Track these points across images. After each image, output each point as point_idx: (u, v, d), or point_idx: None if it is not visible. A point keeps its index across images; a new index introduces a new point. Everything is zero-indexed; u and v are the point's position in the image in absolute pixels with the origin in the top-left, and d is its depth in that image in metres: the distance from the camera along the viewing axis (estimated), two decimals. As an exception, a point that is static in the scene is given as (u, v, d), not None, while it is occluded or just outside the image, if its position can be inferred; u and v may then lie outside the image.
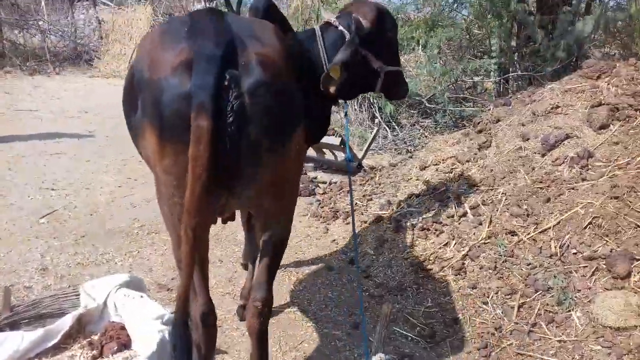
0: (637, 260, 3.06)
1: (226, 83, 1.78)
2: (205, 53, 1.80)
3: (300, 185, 5.70)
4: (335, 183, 5.75)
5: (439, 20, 7.87)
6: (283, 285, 3.66)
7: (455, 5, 7.55)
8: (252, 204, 2.21)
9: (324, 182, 5.86)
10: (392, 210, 4.49)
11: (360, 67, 2.98)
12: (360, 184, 5.33)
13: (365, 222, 4.47)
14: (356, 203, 4.86)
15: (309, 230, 4.62)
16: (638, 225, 3.26)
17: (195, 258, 1.84)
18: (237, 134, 1.82)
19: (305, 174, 6.03)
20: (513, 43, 7.34)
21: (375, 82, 3.11)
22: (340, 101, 3.41)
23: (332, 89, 2.86)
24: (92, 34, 15.65)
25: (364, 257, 3.97)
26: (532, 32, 6.67)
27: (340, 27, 2.96)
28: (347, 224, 4.59)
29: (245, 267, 3.55)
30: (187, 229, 1.77)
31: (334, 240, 4.39)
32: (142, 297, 2.83)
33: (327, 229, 4.61)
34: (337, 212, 4.87)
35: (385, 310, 2.64)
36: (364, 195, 4.98)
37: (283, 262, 2.77)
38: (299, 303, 3.47)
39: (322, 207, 5.08)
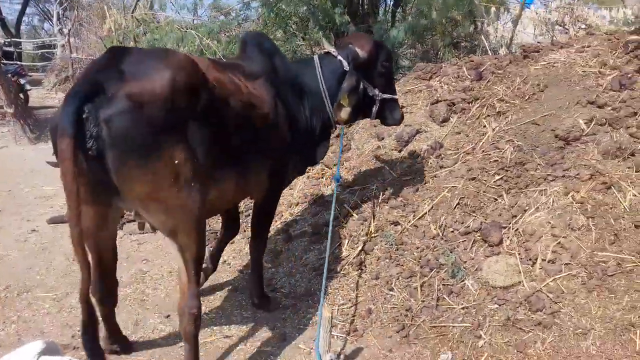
0: (504, 227, 3.64)
1: (85, 114, 2.15)
2: (74, 90, 2.23)
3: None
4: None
5: (262, 31, 8.14)
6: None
7: (277, 19, 7.87)
8: (146, 217, 2.56)
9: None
10: (277, 221, 4.62)
11: (360, 94, 3.40)
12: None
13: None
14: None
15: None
16: (495, 199, 3.87)
17: (86, 261, 2.24)
18: (99, 155, 2.18)
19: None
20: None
21: (371, 108, 3.55)
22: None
23: (343, 116, 3.41)
24: None
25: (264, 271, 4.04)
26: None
27: (339, 57, 3.36)
28: (232, 243, 4.60)
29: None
30: (72, 238, 2.18)
31: (225, 261, 4.37)
32: None
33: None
34: (216, 233, 4.84)
35: (326, 315, 2.79)
36: (240, 211, 5.02)
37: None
38: (220, 329, 3.44)
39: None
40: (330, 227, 3.28)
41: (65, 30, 10.02)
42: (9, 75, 11.34)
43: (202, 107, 2.48)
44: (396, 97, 3.74)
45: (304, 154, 3.50)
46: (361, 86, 3.45)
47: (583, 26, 6.57)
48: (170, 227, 2.49)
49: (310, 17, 7.52)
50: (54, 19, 16.07)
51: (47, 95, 14.31)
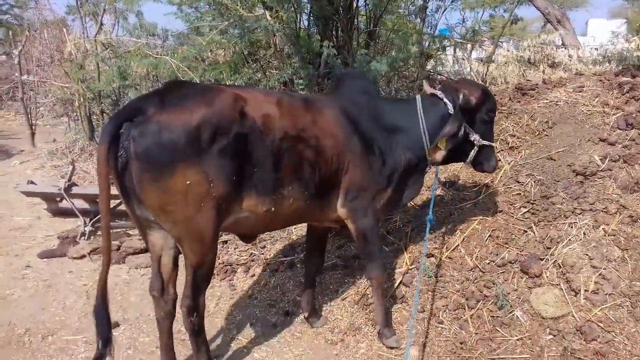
0: (542, 259, 3.80)
1: (122, 131, 2.58)
2: (119, 110, 2.88)
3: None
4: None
5: (239, 62, 8.07)
6: (246, 357, 3.44)
7: (257, 47, 7.83)
8: (161, 224, 2.80)
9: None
10: (300, 254, 4.55)
11: (459, 138, 3.42)
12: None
13: (277, 270, 4.43)
14: (251, 253, 4.76)
15: (215, 291, 4.35)
16: (525, 231, 4.03)
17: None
18: (126, 165, 2.60)
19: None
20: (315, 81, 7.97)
21: (468, 153, 3.55)
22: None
23: (438, 158, 3.47)
24: None
25: (298, 308, 3.96)
26: (338, 72, 7.38)
27: (445, 100, 3.41)
28: (252, 275, 4.47)
29: None
30: (103, 228, 2.68)
31: (251, 295, 4.23)
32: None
33: (233, 286, 4.41)
34: (232, 265, 4.69)
35: (413, 354, 2.78)
36: (253, 244, 4.89)
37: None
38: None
39: (208, 265, 4.81)
40: (419, 279, 3.34)
41: (16, 52, 9.38)
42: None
43: (231, 140, 2.73)
44: (494, 144, 3.74)
45: (396, 190, 3.50)
46: (462, 131, 3.46)
47: (551, 63, 7.03)
48: (176, 236, 2.82)
49: (291, 48, 7.55)
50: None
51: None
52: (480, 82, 7.31)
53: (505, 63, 7.40)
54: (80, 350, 3.40)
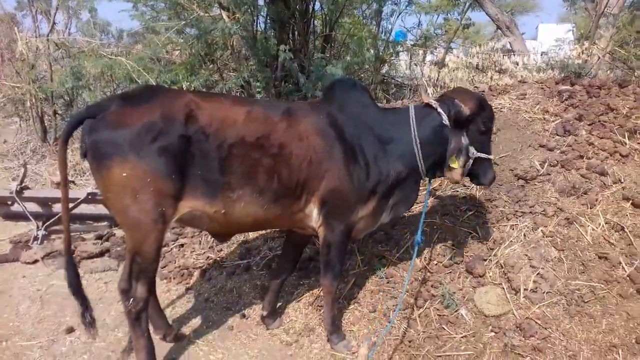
0: (485, 260, 4.01)
1: (83, 125, 2.95)
2: (86, 107, 3.21)
3: (119, 248, 5.31)
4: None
5: (196, 64, 8.08)
6: (202, 358, 3.52)
7: (214, 48, 7.86)
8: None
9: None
10: (257, 256, 4.64)
11: (467, 153, 3.44)
12: (192, 236, 5.24)
13: (233, 273, 4.51)
14: (207, 256, 4.83)
15: (171, 294, 4.41)
16: (471, 233, 4.25)
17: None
18: (85, 155, 2.97)
19: (113, 234, 5.59)
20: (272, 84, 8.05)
21: (465, 164, 3.48)
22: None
23: (455, 177, 3.48)
24: None
25: (254, 310, 4.06)
26: (294, 75, 7.49)
27: (439, 110, 3.40)
28: (209, 279, 4.54)
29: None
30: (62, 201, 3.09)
31: (207, 298, 4.30)
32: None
33: (189, 289, 4.47)
34: (188, 268, 4.74)
35: (363, 352, 2.93)
36: (210, 247, 4.96)
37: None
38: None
39: (164, 267, 4.85)
40: (405, 286, 3.66)
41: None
42: None
43: (174, 141, 2.94)
44: (491, 157, 3.63)
45: (381, 203, 3.53)
46: (467, 142, 3.44)
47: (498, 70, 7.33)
48: (122, 224, 3.17)
49: (248, 51, 7.61)
50: None
51: None
52: (431, 86, 7.56)
53: (456, 69, 7.66)
54: (35, 355, 3.41)
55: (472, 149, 3.46)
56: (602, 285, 3.71)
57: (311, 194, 3.36)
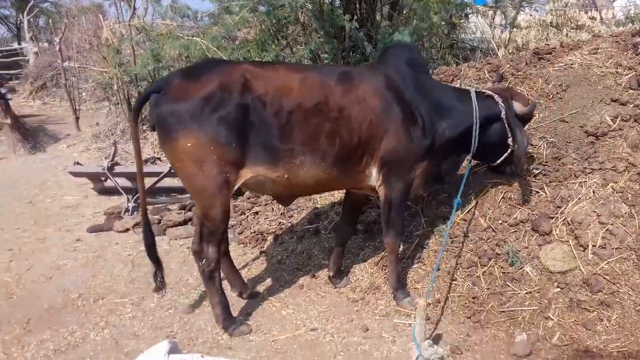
0: (552, 217, 3.98)
1: (150, 99, 3.23)
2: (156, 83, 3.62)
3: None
4: (233, 209, 5.84)
5: (267, 39, 8.30)
6: (275, 314, 3.78)
7: (284, 23, 8.05)
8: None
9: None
10: (324, 221, 4.85)
11: (502, 140, 3.76)
12: (266, 204, 5.53)
13: (303, 237, 4.75)
14: (279, 222, 5.09)
15: (247, 257, 4.71)
16: (537, 192, 4.21)
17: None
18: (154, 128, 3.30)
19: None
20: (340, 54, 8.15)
21: (501, 155, 3.86)
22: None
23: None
24: None
25: (323, 271, 4.27)
26: (361, 45, 7.55)
27: (501, 103, 3.70)
28: (281, 242, 4.80)
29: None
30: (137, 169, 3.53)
31: (280, 260, 4.57)
32: (202, 357, 2.79)
33: (264, 252, 4.76)
34: (262, 234, 5.03)
35: (422, 304, 3.05)
36: (281, 214, 5.23)
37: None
38: (303, 323, 3.64)
39: (241, 234, 5.18)
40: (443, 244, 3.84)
41: (57, 39, 9.89)
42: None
43: (232, 110, 3.13)
44: (519, 152, 3.88)
45: (434, 164, 3.74)
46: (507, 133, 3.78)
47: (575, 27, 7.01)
48: (190, 191, 3.55)
49: (316, 23, 7.74)
50: (25, 25, 15.74)
51: (25, 104, 14.04)
52: (503, 47, 7.37)
53: (528, 27, 7.40)
54: (127, 310, 3.80)
55: (511, 143, 3.80)
56: (675, 241, 3.60)
57: (371, 154, 3.50)
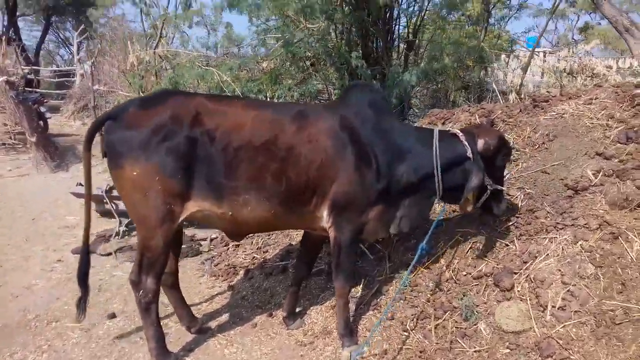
0: (516, 273, 3.79)
1: (104, 127, 3.27)
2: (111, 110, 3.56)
3: (184, 246, 5.73)
4: (216, 238, 5.86)
5: (281, 72, 8.43)
6: (216, 351, 3.73)
7: (294, 57, 8.17)
8: None
9: (204, 239, 5.94)
10: (292, 259, 4.79)
11: (481, 188, 3.57)
12: (247, 237, 5.51)
13: (271, 274, 4.70)
14: (253, 257, 5.07)
15: (213, 291, 4.70)
16: (507, 245, 4.03)
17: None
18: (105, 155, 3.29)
19: (183, 233, 6.05)
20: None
21: (480, 197, 3.64)
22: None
23: (468, 209, 3.64)
24: None
25: (281, 310, 4.19)
26: (368, 83, 7.54)
27: (465, 142, 3.51)
28: (250, 278, 4.76)
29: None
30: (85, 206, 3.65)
31: (243, 296, 4.53)
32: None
33: (231, 286, 4.73)
34: (235, 267, 5.02)
35: (346, 355, 2.94)
36: (258, 248, 5.21)
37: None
38: (239, 363, 3.59)
39: (216, 265, 5.18)
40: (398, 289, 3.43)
41: (89, 62, 10.38)
42: (30, 103, 11.67)
43: (180, 142, 3.17)
44: (504, 189, 3.79)
45: (389, 210, 3.61)
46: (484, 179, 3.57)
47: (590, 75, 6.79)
48: (133, 220, 3.54)
49: (327, 58, 7.82)
50: (74, 48, 16.57)
51: (65, 123, 14.69)
52: (513, 92, 7.21)
53: (541, 73, 7.22)
54: (74, 336, 3.85)
55: (488, 181, 3.57)
56: (639, 307, 3.35)
57: (322, 195, 3.43)
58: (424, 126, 5.57)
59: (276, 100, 7.45)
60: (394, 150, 3.51)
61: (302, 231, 4.98)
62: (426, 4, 7.95)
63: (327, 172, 3.38)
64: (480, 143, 3.54)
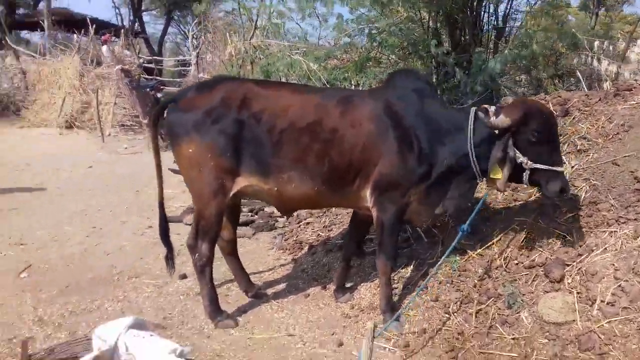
0: (568, 265, 3.69)
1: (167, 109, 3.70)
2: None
3: (261, 221, 6.13)
4: (294, 216, 6.16)
5: (366, 61, 8.55)
6: (266, 314, 4.02)
7: (380, 48, 8.25)
8: None
9: (281, 216, 6.27)
10: (339, 236, 4.97)
11: (510, 163, 3.39)
12: (318, 216, 5.78)
13: (331, 250, 4.92)
14: (318, 234, 5.31)
15: (278, 262, 5.00)
16: (564, 236, 3.92)
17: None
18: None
19: (263, 210, 6.44)
20: (434, 79, 8.11)
21: (521, 175, 3.44)
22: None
23: (500, 187, 3.45)
24: (13, 84, 15.38)
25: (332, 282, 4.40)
26: (451, 70, 7.46)
27: (492, 119, 3.32)
28: (313, 253, 5.01)
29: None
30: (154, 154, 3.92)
31: (304, 269, 4.79)
32: (151, 335, 3.14)
33: (295, 260, 5.01)
34: (301, 243, 5.29)
35: (370, 326, 3.08)
36: (324, 227, 5.44)
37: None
38: (285, 328, 3.83)
39: (285, 240, 5.49)
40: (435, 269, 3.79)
41: (194, 53, 11.19)
42: (148, 89, 12.79)
43: (230, 124, 3.49)
44: (556, 168, 3.43)
45: (431, 192, 3.66)
46: (513, 154, 3.38)
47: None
48: (190, 191, 3.80)
49: (409, 47, 7.83)
50: (190, 39, 17.76)
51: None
52: (609, 80, 6.80)
53: (638, 61, 6.72)
54: (148, 290, 4.32)
55: (523, 159, 3.37)
56: (695, 309, 3.15)
57: (364, 177, 3.59)
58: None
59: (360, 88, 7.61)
60: (435, 134, 3.56)
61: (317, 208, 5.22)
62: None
63: (369, 155, 3.52)
64: (497, 118, 3.32)
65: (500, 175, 3.40)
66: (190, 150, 3.51)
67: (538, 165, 3.39)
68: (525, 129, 3.36)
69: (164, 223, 3.97)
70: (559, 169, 3.47)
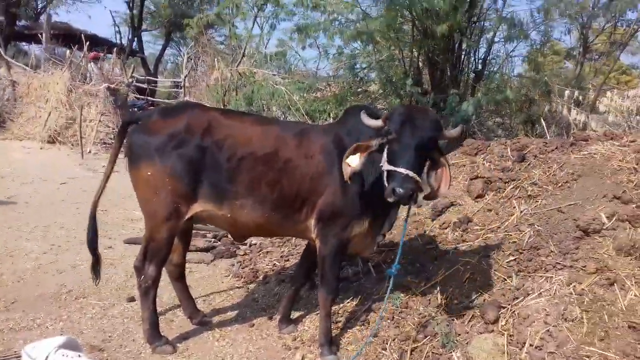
0: (503, 307, 3.76)
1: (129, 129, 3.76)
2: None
3: (222, 248, 6.17)
4: (255, 244, 6.21)
5: (347, 95, 8.74)
6: (207, 342, 4.04)
7: (360, 83, 8.45)
8: None
9: (245, 244, 6.31)
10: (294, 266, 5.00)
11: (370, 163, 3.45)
12: (278, 246, 5.84)
13: (283, 280, 4.96)
14: (274, 264, 5.36)
15: (231, 290, 5.03)
16: (504, 279, 3.99)
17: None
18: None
19: (227, 236, 6.48)
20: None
21: (381, 179, 3.38)
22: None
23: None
24: (4, 95, 15.45)
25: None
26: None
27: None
28: (266, 282, 5.05)
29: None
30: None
31: (254, 298, 4.82)
32: (79, 356, 3.15)
33: (248, 288, 5.04)
34: (257, 272, 5.33)
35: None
36: (281, 256, 5.49)
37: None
38: (222, 358, 3.85)
39: (243, 268, 5.52)
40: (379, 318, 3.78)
41: (182, 76, 11.35)
42: (135, 108, 12.90)
43: (190, 149, 3.56)
44: (400, 170, 3.18)
45: (373, 222, 3.74)
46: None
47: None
48: (143, 213, 3.80)
49: (389, 85, 8.02)
50: (184, 62, 18.02)
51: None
52: (576, 130, 6.96)
53: (605, 112, 6.89)
54: (92, 311, 4.33)
55: (383, 162, 3.34)
56: (618, 358, 3.21)
57: (310, 206, 3.68)
58: (457, 155, 5.61)
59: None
60: (378, 166, 3.52)
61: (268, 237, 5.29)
62: (497, 33, 7.90)
63: (316, 184, 3.63)
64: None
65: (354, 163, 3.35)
66: (149, 173, 3.57)
67: (390, 167, 3.27)
68: (386, 132, 3.35)
69: (93, 234, 4.00)
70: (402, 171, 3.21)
